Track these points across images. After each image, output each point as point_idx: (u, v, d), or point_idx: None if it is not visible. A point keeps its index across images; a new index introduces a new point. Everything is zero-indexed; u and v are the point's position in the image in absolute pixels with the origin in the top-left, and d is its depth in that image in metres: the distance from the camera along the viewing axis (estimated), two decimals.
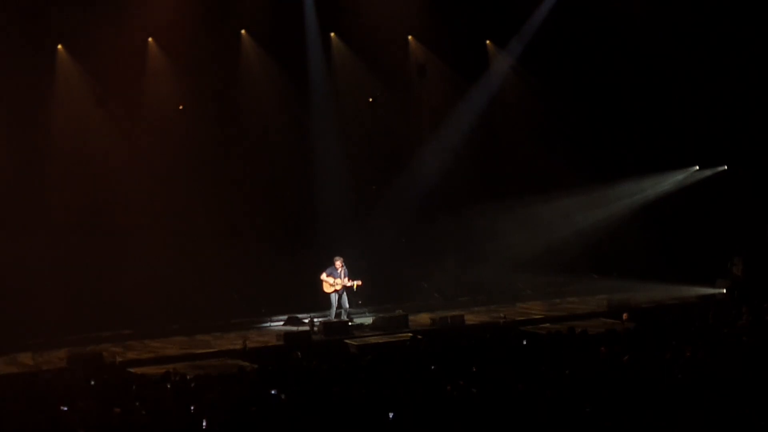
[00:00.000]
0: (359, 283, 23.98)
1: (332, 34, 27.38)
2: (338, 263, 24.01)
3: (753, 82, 27.42)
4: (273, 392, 14.71)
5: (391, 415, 13.18)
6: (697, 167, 28.85)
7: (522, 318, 24.52)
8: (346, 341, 22.09)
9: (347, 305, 24.12)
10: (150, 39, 25.32)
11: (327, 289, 24.03)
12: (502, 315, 24.30)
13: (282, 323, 24.67)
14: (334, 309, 24.05)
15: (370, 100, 27.11)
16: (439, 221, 27.55)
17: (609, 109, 28.03)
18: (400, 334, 22.48)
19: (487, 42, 28.74)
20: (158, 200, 24.64)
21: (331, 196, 26.54)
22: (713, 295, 25.88)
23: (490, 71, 28.74)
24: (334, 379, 15.48)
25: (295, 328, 23.78)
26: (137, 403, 14.44)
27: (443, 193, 27.70)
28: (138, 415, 13.81)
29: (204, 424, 13.28)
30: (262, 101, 26.36)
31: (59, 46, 24.55)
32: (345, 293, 24.08)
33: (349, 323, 23.70)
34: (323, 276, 24.01)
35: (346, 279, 23.90)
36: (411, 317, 24.27)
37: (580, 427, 12.88)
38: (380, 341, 21.77)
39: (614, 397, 13.67)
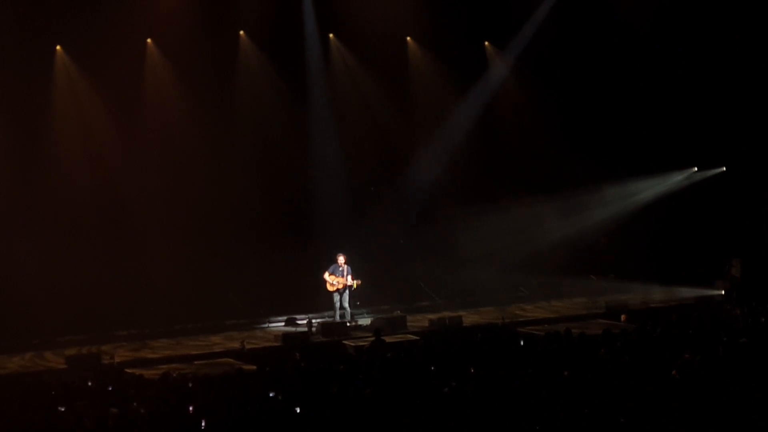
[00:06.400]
0: (359, 282, 23.99)
1: (331, 35, 27.39)
2: (340, 260, 24.01)
3: (751, 83, 27.44)
4: (271, 394, 14.70)
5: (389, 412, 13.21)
6: (696, 168, 28.89)
7: (520, 319, 24.52)
8: (345, 342, 22.13)
9: (347, 305, 24.14)
10: (149, 40, 25.32)
11: (329, 288, 24.04)
12: (500, 316, 24.30)
13: (282, 324, 24.70)
14: (337, 310, 24.06)
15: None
16: (437, 222, 27.57)
17: (608, 111, 28.03)
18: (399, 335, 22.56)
19: (486, 43, 28.77)
20: (157, 201, 24.61)
21: (330, 197, 26.56)
22: (711, 297, 25.91)
23: (488, 72, 28.77)
24: (332, 380, 15.49)
25: (293, 329, 23.80)
26: (135, 404, 14.45)
27: (442, 193, 27.73)
28: (136, 416, 13.81)
29: (203, 424, 13.28)
30: (260, 102, 26.34)
31: (58, 47, 24.56)
32: (346, 293, 24.09)
33: (349, 324, 23.73)
34: (325, 275, 24.03)
35: (349, 277, 23.92)
36: (409, 318, 24.31)
37: (578, 428, 12.88)
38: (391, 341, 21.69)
39: (612, 398, 13.67)
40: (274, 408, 14.13)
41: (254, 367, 17.87)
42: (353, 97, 27.54)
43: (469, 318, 24.74)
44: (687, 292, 26.17)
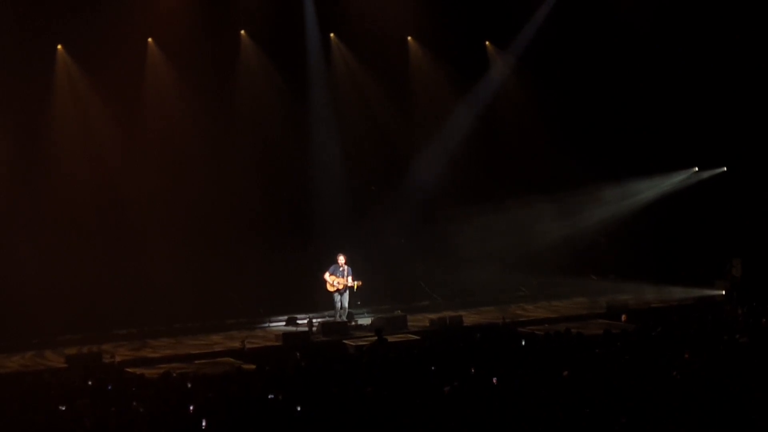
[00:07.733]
0: (359, 283, 23.98)
1: (332, 35, 27.39)
2: (341, 260, 24.01)
3: (752, 83, 27.44)
4: (270, 396, 14.68)
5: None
6: (697, 168, 28.88)
7: (521, 319, 24.51)
8: (345, 342, 22.13)
9: (347, 305, 24.14)
10: (150, 39, 25.31)
11: (329, 288, 24.04)
12: (501, 316, 24.30)
13: (282, 323, 24.70)
14: (338, 310, 24.06)
15: None
16: (438, 222, 27.57)
17: (608, 111, 28.02)
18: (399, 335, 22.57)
19: (487, 43, 28.77)
20: (157, 200, 24.61)
21: (331, 197, 26.56)
22: (712, 297, 25.90)
23: (489, 72, 28.76)
24: (333, 380, 15.49)
25: (294, 329, 23.81)
26: (135, 403, 14.44)
27: (442, 193, 27.71)
28: (136, 415, 13.80)
29: (203, 424, 13.27)
30: (260, 102, 26.33)
31: (59, 46, 24.56)
32: (347, 293, 24.09)
33: (351, 323, 23.74)
34: (326, 275, 24.04)
35: (349, 278, 23.91)
36: (410, 317, 24.31)
37: (578, 428, 12.88)
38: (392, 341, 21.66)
39: (612, 398, 13.67)
40: (274, 407, 14.13)
41: (254, 367, 17.86)
42: (353, 97, 27.53)
43: (470, 318, 24.74)
44: (687, 293, 26.16)
